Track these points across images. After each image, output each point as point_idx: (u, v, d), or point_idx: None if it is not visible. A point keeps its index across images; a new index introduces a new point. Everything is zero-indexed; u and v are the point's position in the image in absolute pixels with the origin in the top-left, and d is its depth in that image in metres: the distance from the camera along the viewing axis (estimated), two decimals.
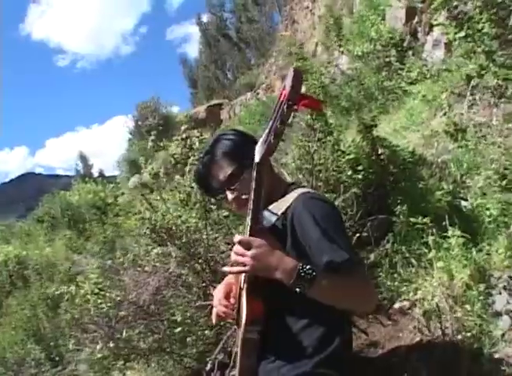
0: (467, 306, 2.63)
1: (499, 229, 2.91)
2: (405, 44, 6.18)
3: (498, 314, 2.62)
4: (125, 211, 8.60)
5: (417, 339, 2.72)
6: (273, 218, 1.86)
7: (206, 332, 3.24)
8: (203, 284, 3.26)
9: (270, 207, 1.82)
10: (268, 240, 1.74)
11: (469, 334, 2.56)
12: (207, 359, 2.97)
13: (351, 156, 3.06)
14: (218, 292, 2.03)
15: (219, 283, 3.29)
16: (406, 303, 2.94)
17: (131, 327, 2.98)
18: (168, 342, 3.10)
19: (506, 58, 3.02)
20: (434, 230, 2.93)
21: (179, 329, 2.98)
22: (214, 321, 2.12)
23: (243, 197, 1.91)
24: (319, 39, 12.74)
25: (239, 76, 27.77)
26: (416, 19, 5.88)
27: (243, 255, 1.66)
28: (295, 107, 1.39)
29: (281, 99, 1.40)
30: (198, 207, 3.10)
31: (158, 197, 3.26)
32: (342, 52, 10.35)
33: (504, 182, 3.05)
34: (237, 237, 1.69)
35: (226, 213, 3.41)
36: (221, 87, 30.40)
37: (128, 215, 8.46)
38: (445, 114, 4.51)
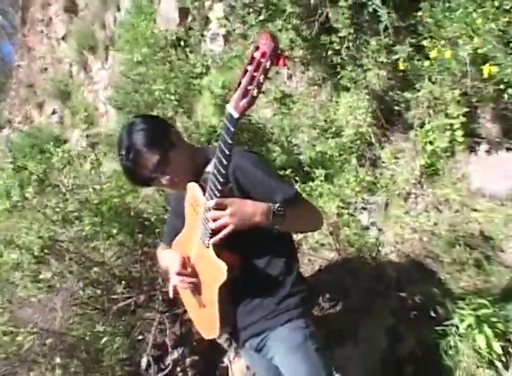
0: (345, 228, 3.23)
1: (343, 165, 3.58)
2: (182, 43, 6.62)
3: (367, 228, 3.29)
4: None
5: (317, 267, 3.23)
6: None
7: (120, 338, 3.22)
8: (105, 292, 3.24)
9: (207, 170, 1.98)
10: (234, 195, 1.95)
11: (354, 249, 3.16)
12: (143, 356, 3.00)
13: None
14: (174, 264, 2.07)
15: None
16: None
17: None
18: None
19: (309, 33, 3.67)
20: (298, 178, 3.48)
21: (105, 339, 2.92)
22: (170, 295, 2.21)
23: (176, 179, 2.07)
24: (73, 59, 12.51)
25: None
26: (190, 18, 6.37)
27: (221, 217, 1.81)
28: (276, 62, 1.52)
29: (258, 57, 1.52)
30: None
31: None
32: (103, 66, 10.39)
33: (333, 130, 3.74)
34: (211, 202, 1.82)
35: None
36: None
37: None
38: None
